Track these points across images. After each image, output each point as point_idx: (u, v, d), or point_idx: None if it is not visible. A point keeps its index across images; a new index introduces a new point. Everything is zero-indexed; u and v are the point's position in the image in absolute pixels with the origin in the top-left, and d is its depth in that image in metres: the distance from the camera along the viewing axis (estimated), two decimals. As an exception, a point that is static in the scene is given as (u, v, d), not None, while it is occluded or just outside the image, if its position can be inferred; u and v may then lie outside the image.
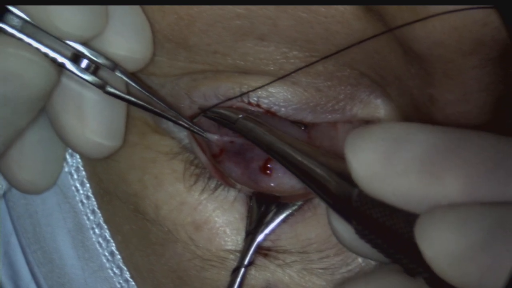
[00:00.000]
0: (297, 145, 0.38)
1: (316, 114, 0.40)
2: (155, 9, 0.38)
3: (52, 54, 0.38)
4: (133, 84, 0.40)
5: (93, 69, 0.39)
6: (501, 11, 0.30)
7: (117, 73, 0.39)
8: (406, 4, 0.33)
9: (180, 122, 0.41)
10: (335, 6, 0.36)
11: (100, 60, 0.39)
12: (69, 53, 0.39)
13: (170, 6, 0.38)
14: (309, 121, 0.41)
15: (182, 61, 0.40)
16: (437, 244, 0.29)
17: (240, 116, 0.40)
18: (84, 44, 0.39)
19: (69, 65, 0.39)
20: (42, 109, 0.41)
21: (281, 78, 0.39)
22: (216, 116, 0.41)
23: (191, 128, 0.41)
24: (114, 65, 0.39)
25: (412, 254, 0.31)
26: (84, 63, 0.39)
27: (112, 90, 0.40)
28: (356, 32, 0.36)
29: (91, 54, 0.39)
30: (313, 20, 0.36)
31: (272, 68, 0.39)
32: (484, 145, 0.31)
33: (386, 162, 0.32)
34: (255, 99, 0.40)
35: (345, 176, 0.34)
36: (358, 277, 0.34)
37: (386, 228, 0.32)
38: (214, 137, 0.42)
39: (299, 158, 0.37)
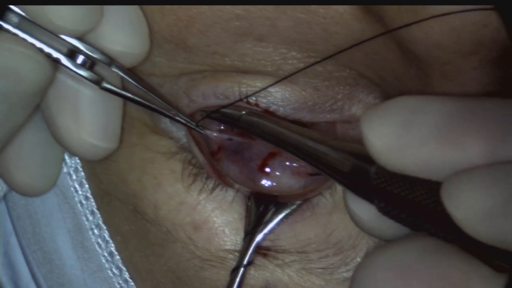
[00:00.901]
0: (306, 132, 0.38)
1: (315, 114, 0.40)
2: (154, 10, 0.38)
3: (47, 49, 0.38)
4: (130, 79, 0.40)
5: (89, 65, 0.39)
6: (501, 12, 0.30)
7: (113, 69, 0.39)
8: (406, 4, 0.33)
9: (177, 118, 0.41)
10: (334, 7, 0.36)
11: (96, 55, 0.39)
12: (65, 49, 0.39)
13: (169, 7, 0.38)
14: (308, 121, 0.41)
15: (181, 62, 0.40)
16: (466, 204, 0.30)
17: (243, 112, 0.40)
18: (79, 39, 0.38)
19: (64, 60, 0.39)
20: (40, 110, 0.41)
21: (282, 79, 0.39)
22: (218, 115, 0.41)
23: (188, 124, 0.41)
24: (110, 61, 0.39)
25: (440, 222, 0.31)
26: (80, 59, 0.39)
27: (108, 86, 0.39)
28: (355, 33, 0.36)
29: (87, 49, 0.38)
30: (312, 21, 0.36)
31: (270, 69, 0.39)
32: (498, 108, 0.31)
33: (404, 133, 0.32)
34: (254, 98, 0.40)
35: (361, 156, 0.34)
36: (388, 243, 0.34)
37: (410, 201, 0.32)
38: (212, 134, 0.42)
39: (311, 144, 0.37)
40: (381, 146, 0.32)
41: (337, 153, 0.36)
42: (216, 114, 0.41)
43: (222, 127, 0.43)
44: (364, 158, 0.34)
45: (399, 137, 0.32)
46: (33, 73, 0.38)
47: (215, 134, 0.42)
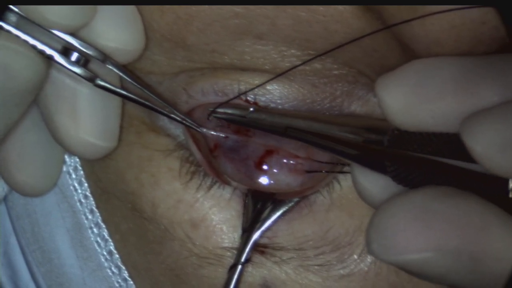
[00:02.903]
0: (313, 116, 0.39)
1: (314, 111, 0.40)
2: (153, 9, 0.39)
3: (40, 46, 0.38)
4: (124, 76, 0.40)
5: (83, 62, 0.39)
6: (500, 9, 0.30)
7: (107, 65, 0.39)
8: (406, 4, 0.33)
9: (173, 116, 0.41)
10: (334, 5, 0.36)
11: (90, 52, 0.39)
12: (59, 47, 0.39)
13: (168, 6, 0.38)
14: None
15: (180, 60, 0.40)
16: (486, 136, 0.30)
17: (252, 109, 0.41)
18: (73, 35, 0.38)
19: (57, 57, 0.38)
20: (39, 110, 0.41)
21: (280, 75, 0.39)
22: (223, 114, 0.41)
23: (184, 122, 0.41)
24: (105, 57, 0.39)
25: (458, 174, 0.31)
26: (74, 56, 0.39)
27: (102, 83, 0.39)
28: (355, 31, 0.36)
29: (81, 46, 0.38)
30: (311, 19, 0.37)
31: (268, 67, 0.39)
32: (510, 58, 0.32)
33: (420, 90, 0.32)
34: (252, 96, 0.40)
35: (372, 129, 0.35)
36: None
37: (425, 159, 0.32)
38: (209, 132, 0.42)
39: (319, 127, 0.38)
40: (397, 105, 0.33)
41: (347, 130, 0.36)
42: (220, 113, 0.41)
43: (220, 125, 0.43)
44: (375, 130, 0.34)
45: (416, 94, 0.32)
46: (26, 70, 0.38)
47: (212, 132, 0.42)
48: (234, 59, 0.39)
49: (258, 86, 0.40)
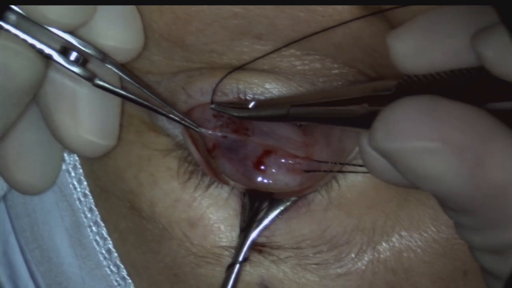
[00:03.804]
0: (318, 91, 0.39)
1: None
2: (152, 9, 0.39)
3: (39, 45, 0.38)
4: (123, 75, 0.40)
5: (82, 61, 0.39)
6: (500, 9, 0.30)
7: (106, 65, 0.39)
8: (405, 4, 0.33)
9: (171, 115, 0.41)
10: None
11: (89, 51, 0.39)
12: (58, 46, 0.39)
13: (167, 6, 0.38)
14: None
15: (178, 60, 0.40)
16: (498, 42, 0.30)
17: (253, 103, 0.40)
18: (73, 34, 0.38)
19: (56, 56, 0.39)
20: (39, 109, 0.41)
21: (271, 52, 0.39)
22: (225, 107, 0.41)
23: (183, 122, 0.41)
24: (104, 56, 0.39)
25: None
26: (73, 55, 0.39)
27: (100, 82, 0.40)
28: (354, 31, 0.37)
29: (80, 45, 0.38)
30: (310, 19, 0.37)
31: (267, 67, 0.39)
32: None
33: (429, 33, 0.32)
34: (251, 95, 0.41)
35: (378, 89, 0.35)
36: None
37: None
38: (208, 132, 0.42)
39: (325, 99, 0.37)
40: (408, 50, 0.33)
41: (351, 91, 0.36)
42: (221, 106, 0.41)
43: (219, 125, 0.43)
44: (381, 89, 0.34)
45: (424, 37, 0.32)
46: (24, 70, 0.38)
47: (210, 132, 0.43)
48: (233, 59, 0.39)
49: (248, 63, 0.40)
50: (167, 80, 0.41)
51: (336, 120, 0.36)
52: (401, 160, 0.31)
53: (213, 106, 0.41)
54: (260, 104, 0.40)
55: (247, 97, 0.41)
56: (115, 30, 0.38)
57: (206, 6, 0.37)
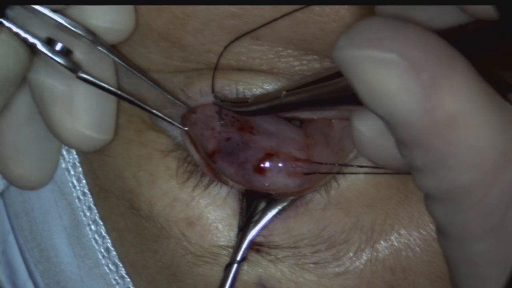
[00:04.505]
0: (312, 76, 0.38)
1: (313, 111, 0.40)
2: (151, 7, 0.39)
3: (24, 34, 0.38)
4: (114, 57, 0.40)
5: (66, 52, 0.39)
6: (500, 8, 0.30)
7: (98, 47, 0.39)
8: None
9: (167, 118, 0.41)
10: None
11: (79, 31, 0.38)
12: (43, 36, 0.38)
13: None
14: (306, 117, 0.41)
15: (176, 60, 0.40)
16: None
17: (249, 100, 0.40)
18: (62, 14, 0.38)
19: (40, 46, 0.38)
20: (36, 104, 0.41)
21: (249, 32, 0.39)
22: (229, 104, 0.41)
23: (179, 125, 0.42)
24: (94, 37, 0.38)
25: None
26: (59, 46, 0.39)
27: (84, 75, 0.39)
28: None
29: (71, 25, 0.38)
30: (308, 19, 0.37)
31: (264, 67, 0.39)
32: None
33: None
34: (250, 97, 0.40)
35: None
36: None
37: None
38: (205, 134, 0.42)
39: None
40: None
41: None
42: (227, 104, 0.41)
43: (220, 123, 0.43)
44: None
45: None
46: (7, 58, 0.37)
47: (209, 133, 0.42)
48: (230, 59, 0.39)
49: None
50: (166, 80, 0.41)
51: (328, 100, 0.36)
52: (358, 71, 0.30)
53: (215, 100, 0.41)
54: (257, 99, 0.40)
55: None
56: (106, 11, 0.38)
57: (203, 6, 0.37)
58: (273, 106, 0.39)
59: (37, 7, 0.37)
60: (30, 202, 0.49)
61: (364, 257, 0.41)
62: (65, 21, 0.38)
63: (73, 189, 0.46)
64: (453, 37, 0.31)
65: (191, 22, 0.38)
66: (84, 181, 0.46)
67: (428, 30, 0.30)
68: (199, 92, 0.41)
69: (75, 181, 0.46)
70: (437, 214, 0.32)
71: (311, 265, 0.42)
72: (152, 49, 0.40)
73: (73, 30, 0.38)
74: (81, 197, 0.46)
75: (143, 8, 0.39)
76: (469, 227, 0.30)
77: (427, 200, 0.32)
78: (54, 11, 0.38)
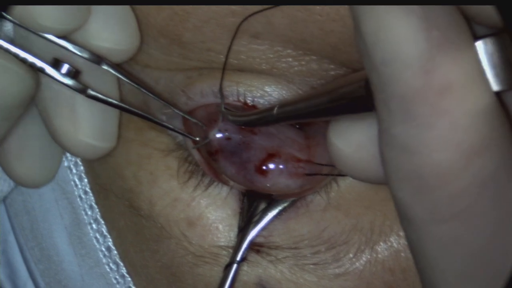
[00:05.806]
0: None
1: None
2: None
3: (31, 59, 0.38)
4: (121, 76, 0.40)
5: (74, 74, 0.39)
6: (500, 8, 0.30)
7: (103, 67, 0.39)
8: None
9: (170, 126, 0.42)
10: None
11: (84, 55, 0.39)
12: (49, 57, 0.39)
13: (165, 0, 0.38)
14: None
15: (176, 57, 0.40)
16: None
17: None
18: (66, 38, 0.38)
19: (49, 69, 0.39)
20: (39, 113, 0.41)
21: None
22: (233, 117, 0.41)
23: (183, 132, 0.42)
24: (99, 59, 0.39)
25: None
26: (65, 68, 0.39)
27: (93, 93, 0.40)
28: (351, 30, 0.36)
29: (75, 49, 0.38)
30: (308, 19, 0.37)
31: (264, 67, 0.39)
32: None
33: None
34: (250, 99, 0.40)
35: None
36: None
37: None
38: (211, 135, 0.42)
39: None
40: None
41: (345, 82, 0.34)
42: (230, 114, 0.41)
43: (221, 124, 0.43)
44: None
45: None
46: (13, 86, 0.38)
47: (213, 134, 0.42)
48: (230, 58, 0.39)
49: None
50: (165, 80, 0.41)
51: (318, 112, 0.35)
52: (372, 8, 0.29)
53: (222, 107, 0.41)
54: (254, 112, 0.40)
55: (247, 100, 0.40)
56: (109, 31, 0.38)
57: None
58: (265, 118, 0.39)
59: (43, 34, 0.38)
60: (31, 201, 0.49)
61: (364, 258, 0.41)
62: (70, 45, 0.38)
63: (75, 188, 0.46)
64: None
65: (191, 19, 0.38)
66: (86, 180, 0.46)
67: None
68: (200, 93, 0.41)
69: (77, 180, 0.46)
70: (401, 194, 0.30)
71: (311, 266, 0.42)
72: (152, 45, 0.40)
73: (78, 55, 0.39)
74: (83, 196, 0.46)
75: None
76: (436, 209, 0.29)
77: (391, 178, 0.30)
78: (59, 36, 0.38)
